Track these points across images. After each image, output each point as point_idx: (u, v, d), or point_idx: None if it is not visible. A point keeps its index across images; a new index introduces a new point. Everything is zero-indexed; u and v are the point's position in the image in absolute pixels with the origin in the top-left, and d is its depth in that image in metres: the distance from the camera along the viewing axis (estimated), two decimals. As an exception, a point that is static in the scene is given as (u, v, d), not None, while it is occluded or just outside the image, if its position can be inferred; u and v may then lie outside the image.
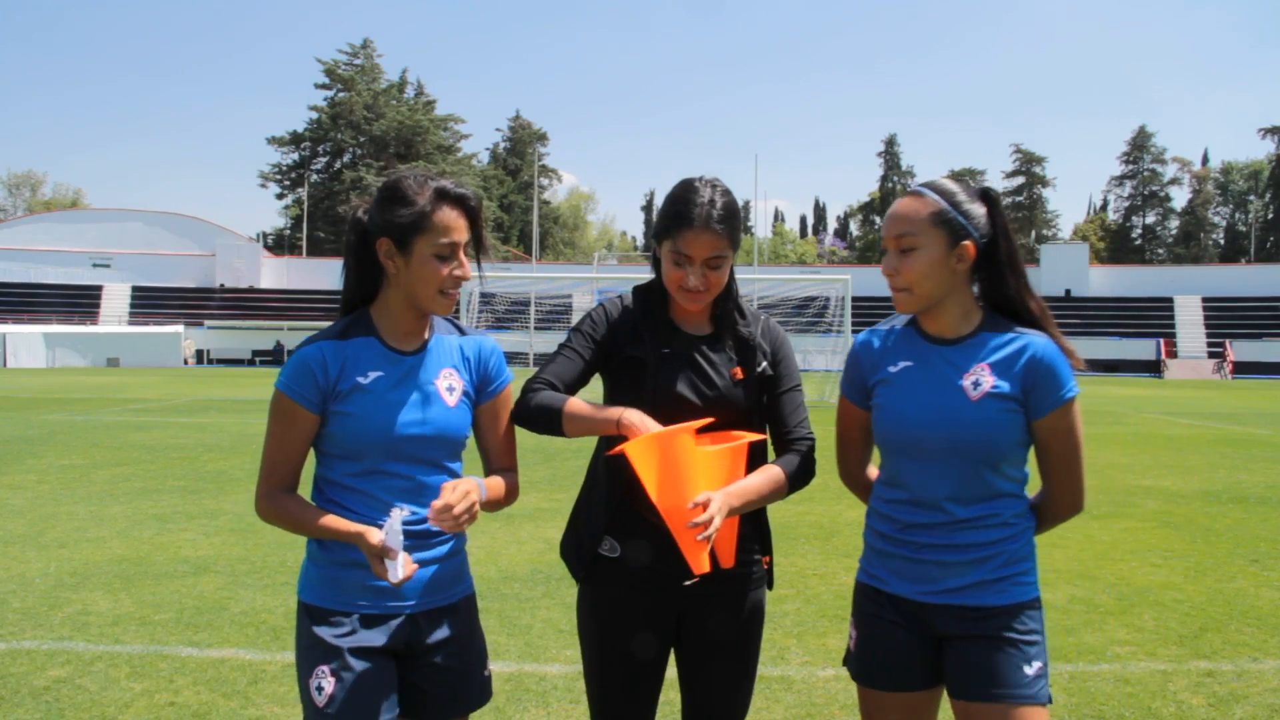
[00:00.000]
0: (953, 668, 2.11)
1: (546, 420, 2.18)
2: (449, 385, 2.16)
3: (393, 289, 2.12)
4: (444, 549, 2.15)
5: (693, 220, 2.17)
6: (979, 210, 2.13)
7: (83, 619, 5.01)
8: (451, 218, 2.06)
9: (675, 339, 2.29)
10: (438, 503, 1.94)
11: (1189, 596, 5.62)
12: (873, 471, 2.37)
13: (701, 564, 2.05)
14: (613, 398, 2.30)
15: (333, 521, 2.02)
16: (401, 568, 1.96)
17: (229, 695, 3.98)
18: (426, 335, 2.19)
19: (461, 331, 2.28)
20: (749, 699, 2.38)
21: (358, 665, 2.03)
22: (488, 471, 2.27)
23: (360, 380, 2.06)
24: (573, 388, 2.26)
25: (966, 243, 2.09)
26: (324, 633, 2.05)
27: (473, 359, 2.23)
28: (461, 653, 2.18)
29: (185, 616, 5.07)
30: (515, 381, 2.26)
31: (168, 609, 5.20)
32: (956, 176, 2.35)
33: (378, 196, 2.10)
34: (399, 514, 1.98)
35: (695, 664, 2.35)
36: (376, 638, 2.07)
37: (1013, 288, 2.15)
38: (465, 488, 1.97)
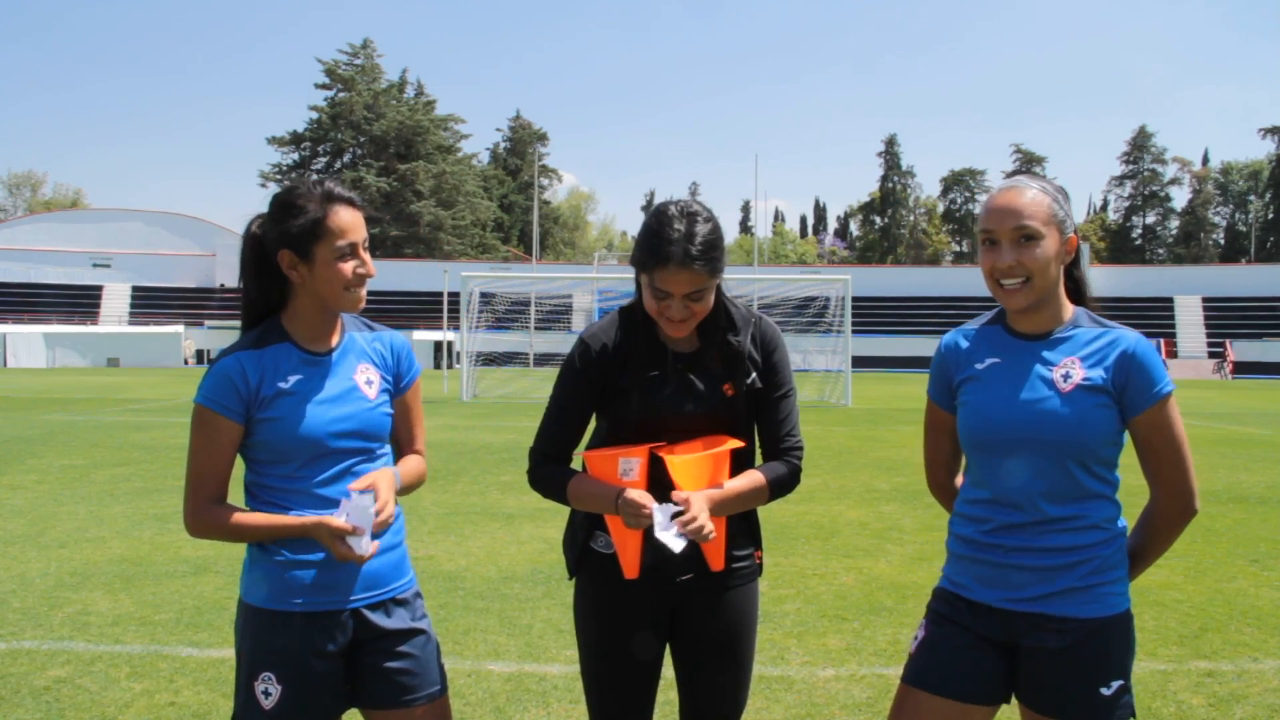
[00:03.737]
0: (1026, 678, 2.05)
1: (554, 499, 2.28)
2: (367, 379, 2.21)
3: (301, 296, 2.16)
4: (381, 540, 2.17)
5: (668, 258, 2.10)
6: (1069, 206, 2.11)
7: (83, 619, 5.01)
8: (345, 218, 2.10)
9: (663, 361, 2.27)
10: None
11: (1189, 596, 5.62)
12: (960, 480, 2.28)
13: (632, 567, 2.18)
14: (604, 421, 2.33)
15: (281, 520, 2.07)
16: (367, 543, 2.03)
17: (229, 695, 3.95)
18: (338, 335, 2.24)
19: (371, 328, 2.33)
20: (746, 694, 2.39)
21: (306, 671, 2.08)
22: (398, 458, 2.32)
23: (282, 385, 2.11)
24: (575, 444, 2.31)
25: (1072, 236, 2.08)
26: (271, 636, 2.09)
27: (387, 355, 2.29)
28: (415, 642, 2.21)
29: (185, 616, 5.07)
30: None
31: (168, 609, 5.20)
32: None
33: (271, 210, 2.14)
34: (357, 496, 2.03)
35: (691, 661, 2.35)
36: (324, 640, 2.10)
37: (1081, 282, 2.16)
38: (380, 487, 2.06)
